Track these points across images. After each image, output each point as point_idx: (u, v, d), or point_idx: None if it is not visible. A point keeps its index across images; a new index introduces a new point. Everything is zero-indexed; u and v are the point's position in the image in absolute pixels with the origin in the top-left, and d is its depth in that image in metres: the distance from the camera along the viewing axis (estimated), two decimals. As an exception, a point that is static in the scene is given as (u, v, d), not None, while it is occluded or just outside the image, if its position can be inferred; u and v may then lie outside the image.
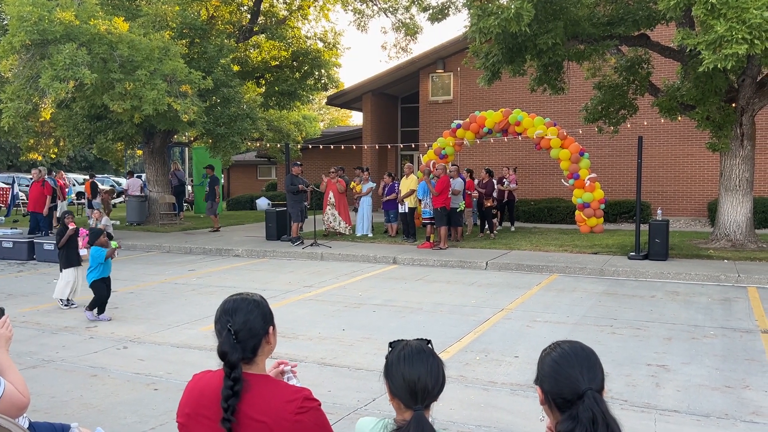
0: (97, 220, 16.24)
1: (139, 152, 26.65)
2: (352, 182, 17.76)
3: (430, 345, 2.01)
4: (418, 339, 2.03)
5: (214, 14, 20.17)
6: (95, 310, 8.38)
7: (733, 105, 13.10)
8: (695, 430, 4.75)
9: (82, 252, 9.10)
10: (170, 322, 8.15)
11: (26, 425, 2.94)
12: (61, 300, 9.11)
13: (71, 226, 9.14)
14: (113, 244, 8.62)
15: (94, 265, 8.34)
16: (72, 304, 9.10)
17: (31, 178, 17.94)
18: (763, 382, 5.76)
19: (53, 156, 25.27)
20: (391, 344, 2.02)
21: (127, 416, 5.08)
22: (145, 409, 5.22)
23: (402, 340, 2.03)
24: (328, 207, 16.51)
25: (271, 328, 2.09)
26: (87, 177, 26.09)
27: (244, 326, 2.00)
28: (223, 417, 1.91)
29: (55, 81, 13.29)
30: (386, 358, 1.98)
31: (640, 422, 4.87)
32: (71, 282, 9.05)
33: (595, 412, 1.70)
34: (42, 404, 5.27)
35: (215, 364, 2.03)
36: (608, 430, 1.70)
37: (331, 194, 16.46)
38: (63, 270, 9.11)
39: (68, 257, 9.12)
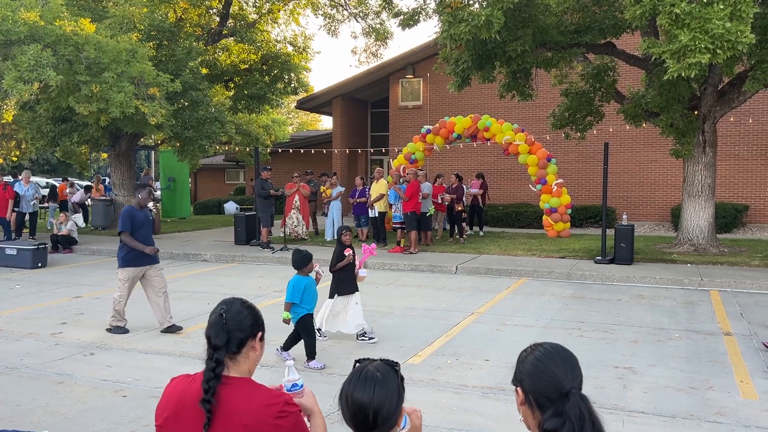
0: (62, 223, 15.94)
1: (104, 155, 26.19)
2: (322, 186, 17.71)
3: (396, 368, 1.89)
4: (383, 360, 1.91)
5: (183, 16, 19.96)
6: (293, 353, 6.65)
7: (696, 113, 13.42)
8: (662, 431, 4.85)
9: (362, 273, 7.34)
10: (138, 328, 8.03)
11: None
12: (318, 330, 7.16)
13: (347, 253, 7.23)
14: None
15: (298, 297, 6.41)
16: (323, 336, 7.39)
17: None
18: (726, 382, 5.91)
19: (15, 159, 24.73)
20: (357, 361, 1.93)
21: (95, 423, 4.99)
22: (113, 416, 5.13)
23: (367, 359, 1.93)
24: (293, 211, 16.36)
25: (260, 333, 2.12)
26: (61, 180, 25.41)
27: (237, 316, 2.09)
28: (203, 398, 1.95)
29: (19, 82, 12.99)
30: None
31: (608, 424, 4.94)
32: (339, 312, 7.30)
33: (582, 409, 1.74)
34: (6, 412, 5.15)
35: (184, 370, 2.03)
36: (594, 427, 1.74)
37: (296, 198, 16.36)
38: (335, 296, 7.35)
39: (344, 283, 7.32)
